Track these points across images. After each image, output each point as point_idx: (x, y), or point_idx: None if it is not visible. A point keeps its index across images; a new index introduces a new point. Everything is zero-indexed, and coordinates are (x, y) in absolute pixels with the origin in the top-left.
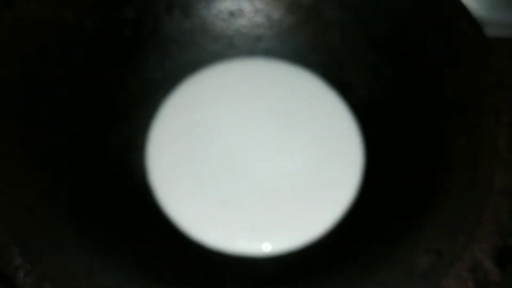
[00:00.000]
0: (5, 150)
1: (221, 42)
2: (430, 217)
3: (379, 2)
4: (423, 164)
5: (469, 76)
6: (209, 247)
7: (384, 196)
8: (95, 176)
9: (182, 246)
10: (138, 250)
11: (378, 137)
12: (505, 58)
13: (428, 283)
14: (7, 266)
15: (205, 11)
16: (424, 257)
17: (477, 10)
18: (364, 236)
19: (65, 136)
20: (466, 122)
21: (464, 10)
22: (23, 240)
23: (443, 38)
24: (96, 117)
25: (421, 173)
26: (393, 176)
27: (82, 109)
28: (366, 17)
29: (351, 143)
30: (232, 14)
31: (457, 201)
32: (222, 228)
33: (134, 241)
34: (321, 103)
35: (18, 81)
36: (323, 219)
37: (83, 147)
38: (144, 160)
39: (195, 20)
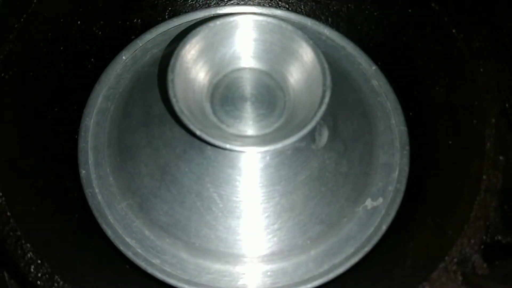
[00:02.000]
0: (20, 150)
1: None
2: (421, 213)
3: (372, 11)
4: (414, 163)
5: (459, 80)
6: None
7: None
8: None
9: None
10: None
11: None
12: (493, 62)
13: (418, 276)
14: (19, 261)
15: None
16: (414, 251)
17: None
18: None
19: (76, 138)
20: (455, 124)
21: (454, 16)
22: (34, 236)
23: (434, 43)
24: None
25: (412, 171)
26: None
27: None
28: (360, 25)
29: None
30: None
31: (447, 198)
32: None
33: None
34: None
35: (32, 82)
36: None
37: None
38: None
39: None
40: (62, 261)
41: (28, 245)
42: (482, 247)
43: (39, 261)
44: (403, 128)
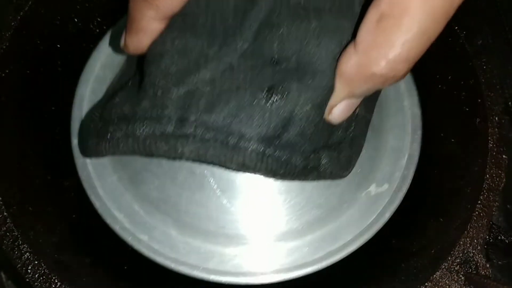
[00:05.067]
0: (16, 150)
1: None
2: (423, 213)
3: None
4: (417, 161)
5: (461, 78)
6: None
7: None
8: None
9: None
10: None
11: None
12: (495, 59)
13: (420, 277)
14: (16, 262)
15: None
16: (416, 251)
17: None
18: None
19: (68, 133)
20: (457, 122)
21: (456, 13)
22: (31, 237)
23: (436, 41)
24: None
25: (415, 171)
26: None
27: None
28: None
29: None
30: None
31: (449, 197)
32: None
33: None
34: None
35: (28, 81)
36: None
37: None
38: None
39: None
40: (59, 262)
41: (25, 245)
42: (485, 247)
43: (36, 262)
44: (416, 110)
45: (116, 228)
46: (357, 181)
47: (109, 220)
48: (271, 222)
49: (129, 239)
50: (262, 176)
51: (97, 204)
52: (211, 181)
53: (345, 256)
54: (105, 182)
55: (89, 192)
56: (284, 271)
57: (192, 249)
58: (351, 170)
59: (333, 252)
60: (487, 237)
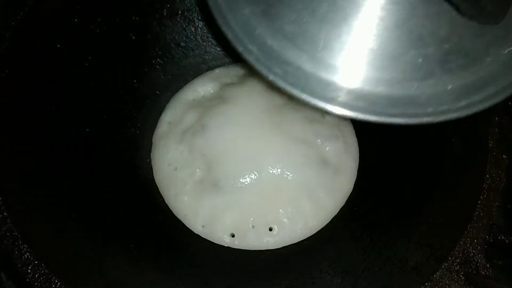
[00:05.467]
0: (16, 150)
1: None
2: (423, 212)
3: None
4: (415, 161)
5: None
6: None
7: (379, 192)
8: (102, 174)
9: (184, 238)
10: (143, 243)
11: (372, 141)
12: None
13: (420, 276)
14: (16, 262)
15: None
16: (417, 251)
17: None
18: (358, 230)
19: (73, 136)
20: (457, 122)
21: None
22: (32, 237)
23: None
24: (103, 117)
25: (415, 170)
26: (388, 175)
27: (90, 110)
28: None
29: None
30: None
31: (449, 197)
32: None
33: (139, 235)
34: None
35: (28, 81)
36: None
37: (91, 146)
38: (149, 158)
39: (197, 24)
40: (59, 262)
41: (26, 245)
42: (485, 246)
43: (36, 262)
44: None
45: (250, 59)
46: (502, 35)
47: (241, 50)
48: (411, 66)
49: (263, 69)
50: (407, 15)
51: (229, 35)
52: (355, 15)
53: (489, 106)
54: (237, 15)
55: (220, 21)
56: (423, 116)
57: (328, 86)
58: (506, 14)
59: (476, 102)
60: (487, 237)
